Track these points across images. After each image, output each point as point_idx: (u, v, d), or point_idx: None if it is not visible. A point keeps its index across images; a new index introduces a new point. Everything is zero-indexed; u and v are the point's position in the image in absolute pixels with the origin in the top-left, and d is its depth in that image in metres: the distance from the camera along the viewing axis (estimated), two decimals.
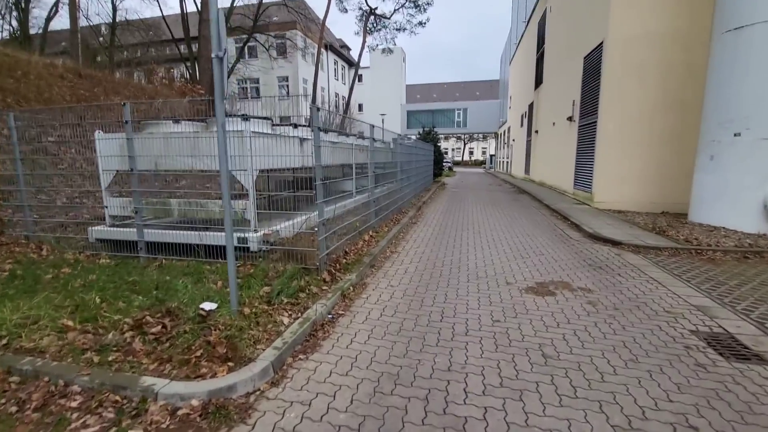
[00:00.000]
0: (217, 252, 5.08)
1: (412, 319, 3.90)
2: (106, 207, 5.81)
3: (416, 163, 14.09)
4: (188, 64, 25.01)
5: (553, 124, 16.96)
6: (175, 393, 2.51)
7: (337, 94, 41.13)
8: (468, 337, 3.54)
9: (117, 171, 5.75)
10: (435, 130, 25.30)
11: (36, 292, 4.03)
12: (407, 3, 28.31)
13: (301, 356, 3.16)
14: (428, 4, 28.46)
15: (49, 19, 22.33)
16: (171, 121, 6.15)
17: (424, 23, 29.59)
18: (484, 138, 66.35)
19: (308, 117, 4.51)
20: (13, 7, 21.29)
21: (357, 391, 2.71)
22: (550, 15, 18.68)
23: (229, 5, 23.56)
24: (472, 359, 3.15)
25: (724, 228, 7.58)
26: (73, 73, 11.93)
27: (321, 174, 4.70)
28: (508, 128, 34.70)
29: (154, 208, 5.80)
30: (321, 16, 27.32)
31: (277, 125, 6.61)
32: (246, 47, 28.61)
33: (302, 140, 6.41)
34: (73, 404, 2.52)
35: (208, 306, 3.48)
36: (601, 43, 10.90)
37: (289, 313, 3.73)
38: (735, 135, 7.50)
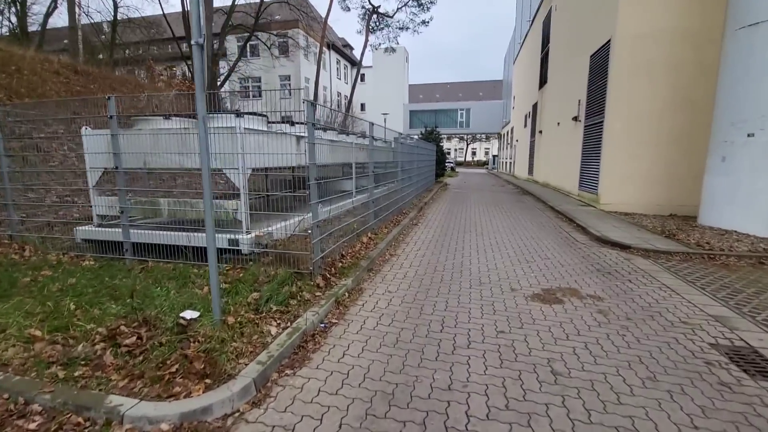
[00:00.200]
0: (206, 255, 4.80)
1: (411, 329, 3.64)
2: (93, 206, 5.57)
3: (418, 163, 13.82)
4: (189, 62, 24.78)
5: (558, 124, 16.67)
6: (143, 415, 2.25)
7: (339, 94, 40.89)
8: (470, 350, 3.27)
9: (105, 169, 5.50)
10: (437, 129, 25.00)
11: (10, 296, 3.79)
12: (410, 1, 28.00)
13: (288, 371, 2.90)
14: (431, 2, 28.11)
15: (48, 14, 21.98)
16: (161, 117, 5.90)
17: (428, 22, 29.25)
18: (487, 138, 66.00)
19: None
20: (12, 2, 21.02)
21: (347, 414, 2.45)
22: (555, 13, 18.37)
23: (230, 3, 23.31)
24: (475, 376, 2.88)
25: (736, 232, 7.29)
26: (69, 69, 11.73)
27: (315, 173, 4.45)
28: (512, 129, 34.37)
29: (141, 208, 5.56)
30: (323, 15, 27.05)
31: (274, 122, 6.36)
32: (248, 45, 28.35)
33: (299, 138, 6.14)
34: (32, 426, 2.27)
35: (189, 315, 3.21)
36: (609, 41, 10.60)
37: (278, 322, 3.47)
38: (748, 135, 7.20)
